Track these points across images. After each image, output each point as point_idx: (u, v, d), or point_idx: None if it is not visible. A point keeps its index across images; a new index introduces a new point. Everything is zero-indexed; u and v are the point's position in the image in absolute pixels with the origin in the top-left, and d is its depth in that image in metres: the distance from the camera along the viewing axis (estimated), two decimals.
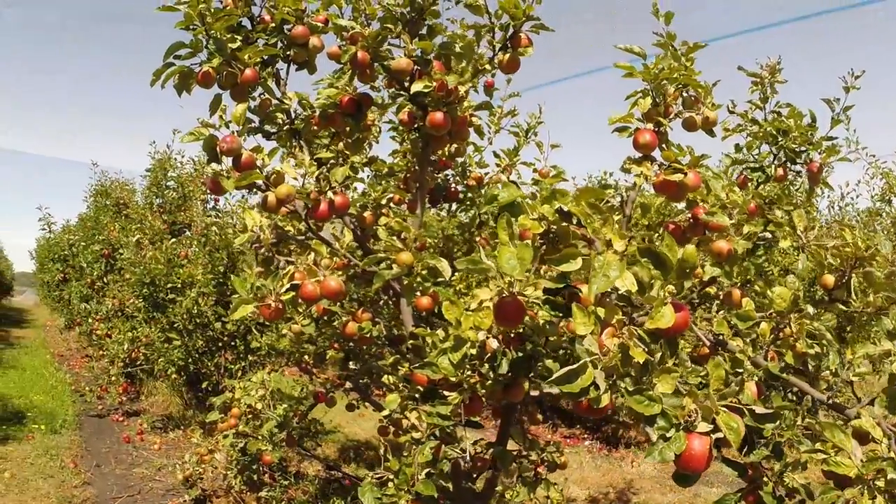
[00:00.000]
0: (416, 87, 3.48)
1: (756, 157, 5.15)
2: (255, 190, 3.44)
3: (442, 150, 4.62)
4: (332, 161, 3.93)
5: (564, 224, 2.48)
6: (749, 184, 5.02)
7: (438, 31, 3.78)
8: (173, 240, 9.79)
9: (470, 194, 5.55)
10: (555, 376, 2.21)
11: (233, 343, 9.37)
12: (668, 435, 2.30)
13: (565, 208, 2.45)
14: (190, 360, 9.37)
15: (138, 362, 11.16)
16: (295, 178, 3.37)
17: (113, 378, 12.14)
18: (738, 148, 5.30)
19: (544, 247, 2.54)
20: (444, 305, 3.04)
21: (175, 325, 9.24)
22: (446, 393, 3.33)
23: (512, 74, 3.84)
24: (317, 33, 3.88)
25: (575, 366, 2.21)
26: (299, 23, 3.81)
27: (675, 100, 3.51)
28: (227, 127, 3.39)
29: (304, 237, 3.63)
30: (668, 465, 9.33)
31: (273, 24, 3.83)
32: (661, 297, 2.37)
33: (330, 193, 3.41)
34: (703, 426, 2.33)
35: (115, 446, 10.69)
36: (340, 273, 3.48)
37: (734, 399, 2.42)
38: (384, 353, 5.15)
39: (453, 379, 3.09)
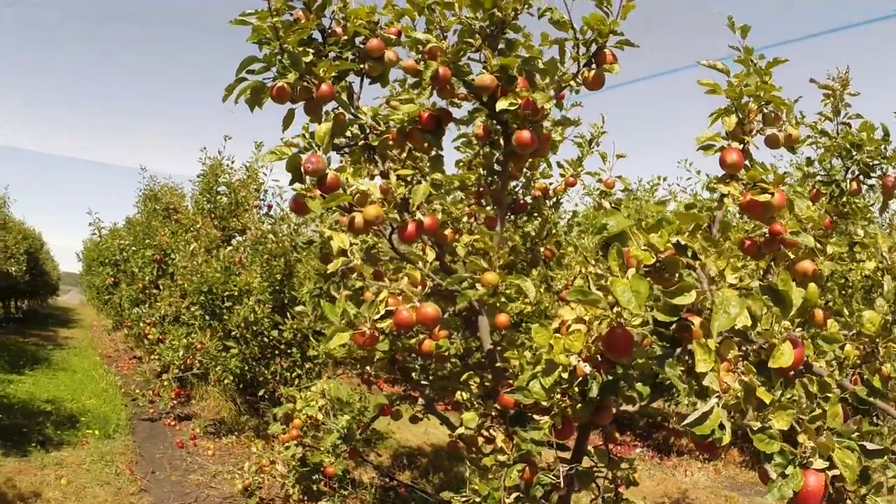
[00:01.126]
0: (502, 104, 3.41)
1: (828, 170, 5.06)
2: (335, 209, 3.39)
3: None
4: (411, 178, 3.85)
5: (675, 255, 2.43)
6: (822, 197, 4.93)
7: (518, 45, 3.71)
8: (230, 247, 9.78)
9: (536, 205, 5.49)
10: (688, 420, 2.16)
11: (289, 351, 9.35)
12: (786, 472, 2.24)
13: (682, 242, 2.39)
14: (246, 367, 9.36)
15: (194, 369, 11.18)
16: (379, 198, 3.31)
17: (165, 383, 12.18)
18: (809, 161, 5.21)
19: (650, 276, 2.49)
20: (533, 329, 3.01)
21: (232, 334, 9.23)
22: (536, 417, 3.28)
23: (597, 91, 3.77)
24: (391, 46, 3.82)
25: (706, 408, 2.15)
26: (374, 36, 3.75)
27: (756, 116, 3.45)
28: (310, 146, 3.34)
29: (395, 258, 3.58)
30: (722, 475, 9.19)
31: (345, 37, 3.77)
32: (780, 333, 2.32)
33: (418, 214, 3.35)
34: (819, 463, 2.27)
35: (168, 451, 10.71)
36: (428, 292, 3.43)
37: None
38: (449, 367, 5.09)
39: (545, 403, 3.04)
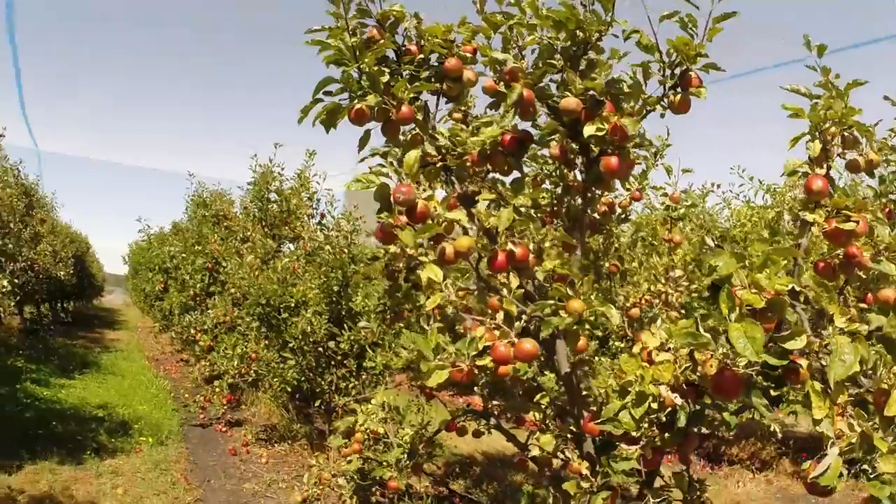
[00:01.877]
0: (589, 130, 3.36)
1: None
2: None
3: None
4: (492, 202, 3.79)
5: (781, 296, 2.39)
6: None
7: (599, 65, 3.66)
8: (286, 259, 9.77)
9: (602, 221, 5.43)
10: (816, 473, 2.11)
11: (344, 361, 9.34)
12: None
13: (797, 288, 2.35)
14: (302, 378, 9.36)
15: (249, 378, 11.21)
16: (467, 226, 3.27)
17: (217, 389, 12.23)
18: (882, 180, 5.12)
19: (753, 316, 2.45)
20: (621, 358, 3.00)
21: (289, 345, 9.24)
22: (624, 446, 3.26)
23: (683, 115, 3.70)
24: (468, 65, 3.76)
25: (829, 459, 2.11)
26: (451, 55, 3.69)
27: (836, 140, 3.40)
28: (397, 174, 3.30)
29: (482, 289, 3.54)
30: (773, 486, 9.05)
31: (421, 56, 3.72)
32: (891, 379, 2.28)
33: (509, 244, 3.30)
34: None
35: (221, 459, 10.74)
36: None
37: None
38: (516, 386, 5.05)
39: (635, 434, 3.02)
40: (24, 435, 10.60)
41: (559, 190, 4.45)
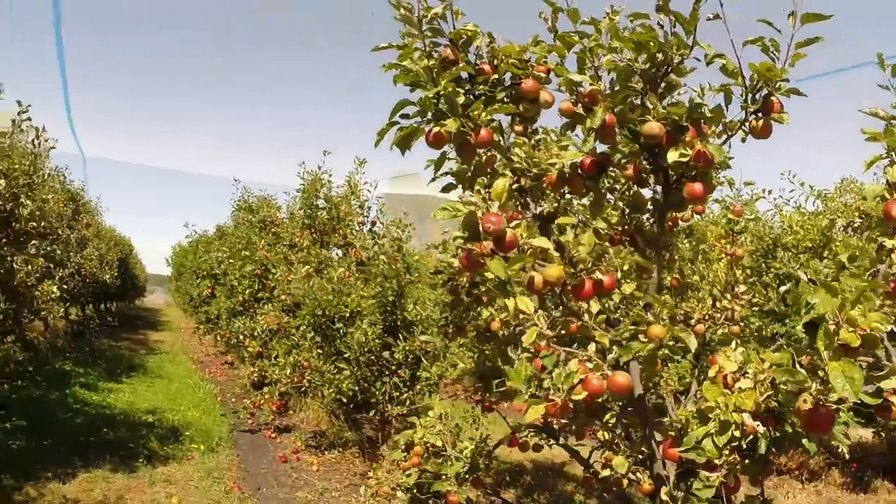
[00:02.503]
0: (673, 156, 3.31)
1: None
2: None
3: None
4: (571, 226, 3.74)
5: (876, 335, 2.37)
6: None
7: (677, 86, 3.60)
8: (340, 269, 9.75)
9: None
10: None
11: (398, 371, 9.33)
12: None
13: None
14: (357, 388, 9.35)
15: (303, 388, 11.22)
16: (549, 251, 3.23)
17: (266, 396, 12.24)
18: None
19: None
20: (704, 386, 2.99)
21: (345, 355, 9.23)
22: (705, 473, 3.23)
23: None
24: (543, 86, 3.71)
25: None
26: (527, 76, 3.64)
27: None
28: (485, 203, 3.24)
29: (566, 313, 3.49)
30: (823, 497, 8.92)
31: (495, 76, 3.67)
32: None
33: (597, 273, 3.26)
34: None
35: (272, 466, 10.76)
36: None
37: None
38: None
39: (717, 462, 3.01)
40: (76, 442, 10.67)
41: (626, 207, 4.42)
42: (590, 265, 3.27)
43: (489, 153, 3.62)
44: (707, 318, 5.54)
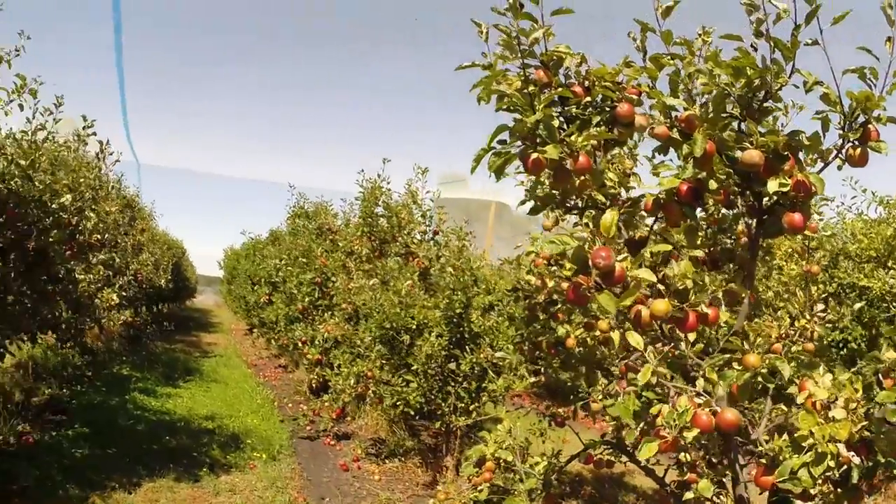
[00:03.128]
0: (773, 186, 3.25)
1: None
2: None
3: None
4: (665, 253, 3.69)
5: None
6: None
7: (771, 111, 3.55)
8: (407, 281, 9.73)
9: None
10: None
11: (464, 383, 9.29)
12: None
13: None
14: (423, 400, 9.32)
15: (367, 399, 11.23)
16: (650, 282, 3.19)
17: (326, 403, 12.26)
18: None
19: None
20: (799, 415, 2.98)
21: (412, 367, 9.21)
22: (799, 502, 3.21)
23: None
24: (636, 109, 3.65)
25: None
26: (622, 99, 3.58)
27: None
28: (596, 239, 3.21)
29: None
30: None
31: (587, 98, 3.62)
32: None
33: (702, 306, 3.21)
34: None
35: (334, 475, 10.76)
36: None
37: None
38: None
39: (812, 491, 3.00)
40: (139, 450, 10.71)
41: (711, 229, 4.38)
42: (693, 297, 3.23)
43: (583, 178, 3.58)
44: (784, 336, 5.47)
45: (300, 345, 14.39)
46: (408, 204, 12.43)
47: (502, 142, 3.51)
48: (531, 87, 3.36)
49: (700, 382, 3.25)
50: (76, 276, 8.84)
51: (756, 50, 3.45)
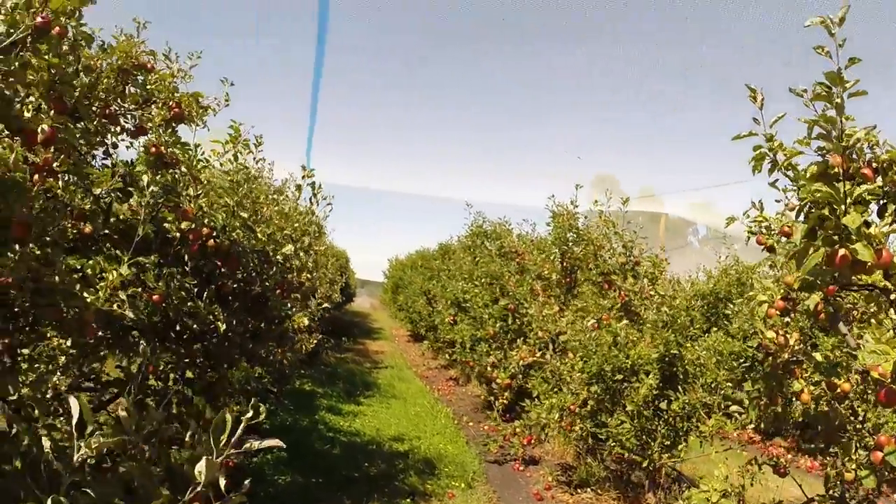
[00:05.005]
0: None
1: None
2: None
3: None
4: None
5: None
6: None
7: None
8: (624, 321, 9.57)
9: None
10: None
11: (673, 421, 9.11)
12: None
13: None
14: (636, 441, 9.17)
15: (573, 436, 11.13)
16: None
17: (518, 430, 12.17)
18: None
19: None
20: None
21: (627, 409, 9.06)
22: None
23: None
24: None
25: None
26: None
27: None
28: None
29: None
30: None
31: (878, 183, 3.43)
32: None
33: None
34: None
35: None
36: None
37: None
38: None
39: None
40: (339, 476, 10.78)
41: None
42: None
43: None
44: None
45: (489, 368, 14.36)
46: (607, 234, 12.17)
47: (812, 232, 3.37)
48: (853, 190, 3.20)
49: None
50: (289, 314, 9.00)
51: None
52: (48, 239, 4.77)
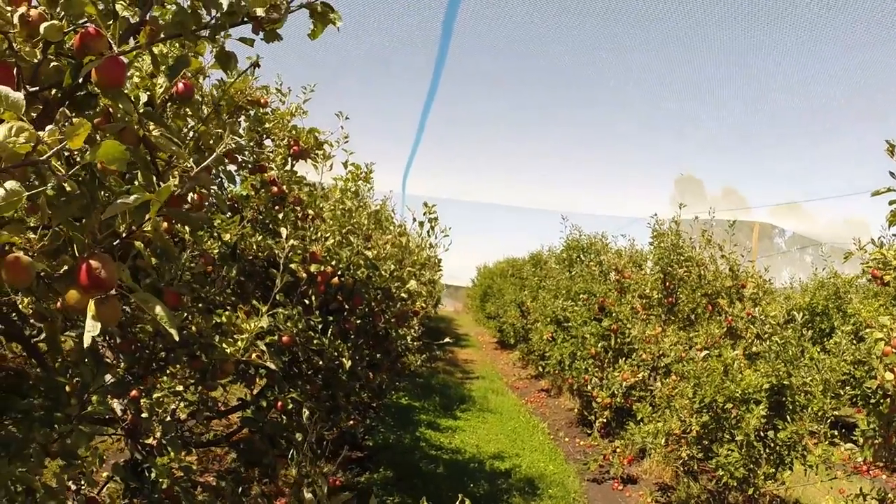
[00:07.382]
0: None
1: None
2: None
3: None
4: None
5: None
6: None
7: None
8: (735, 351, 9.60)
9: None
10: None
11: (777, 449, 9.11)
12: None
13: None
14: (743, 468, 9.18)
15: (680, 460, 11.17)
16: None
17: (619, 450, 12.24)
18: None
19: None
20: None
21: (736, 439, 9.09)
22: None
23: None
24: None
25: None
26: None
27: None
28: None
29: None
30: None
31: None
32: None
33: None
34: None
35: None
36: None
37: None
38: None
39: None
40: (445, 499, 10.75)
41: None
42: None
43: None
44: None
45: (588, 386, 14.41)
46: (714, 258, 12.17)
47: None
48: None
49: None
50: (408, 346, 9.24)
51: None
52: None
